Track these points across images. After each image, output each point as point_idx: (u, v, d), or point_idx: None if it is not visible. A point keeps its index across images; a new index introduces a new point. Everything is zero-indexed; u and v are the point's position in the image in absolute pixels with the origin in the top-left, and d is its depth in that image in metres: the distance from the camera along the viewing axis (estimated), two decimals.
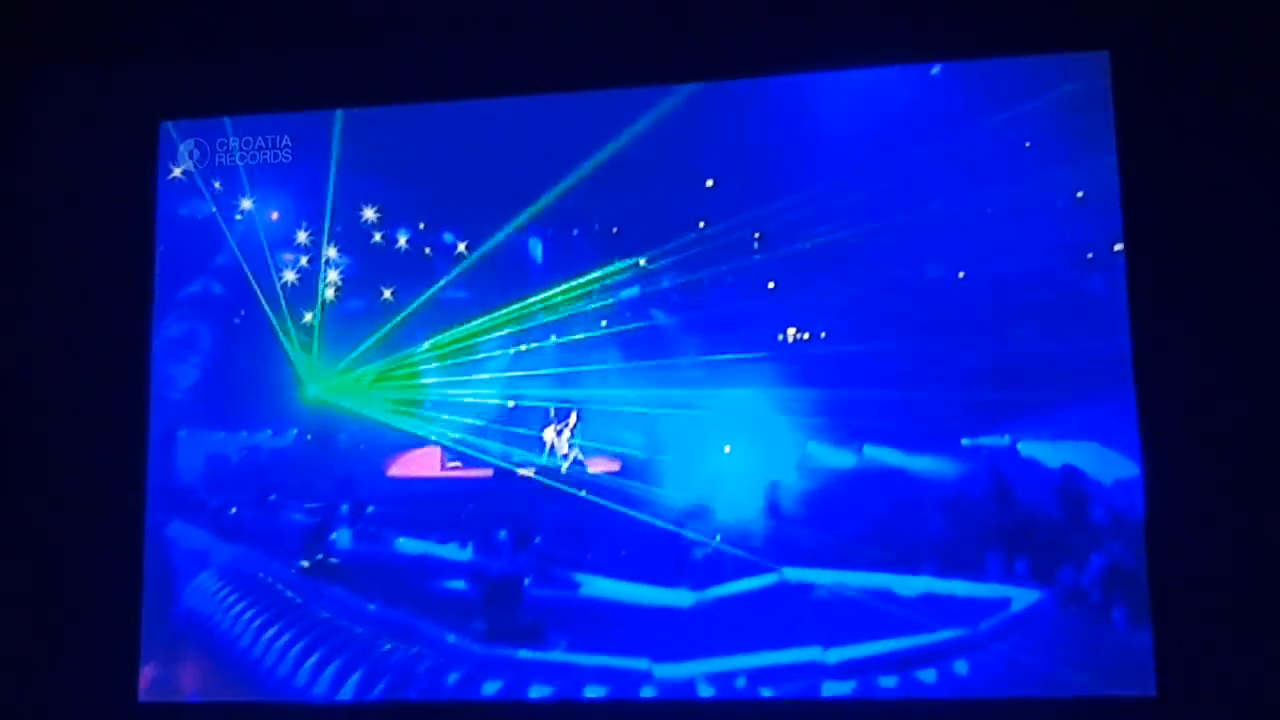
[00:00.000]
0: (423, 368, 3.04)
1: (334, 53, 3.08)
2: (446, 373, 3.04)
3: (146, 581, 2.97)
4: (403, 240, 3.05)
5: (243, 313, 3.07)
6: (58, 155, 3.14)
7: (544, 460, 3.00)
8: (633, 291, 2.99)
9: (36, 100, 3.16)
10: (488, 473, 3.01)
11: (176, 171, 3.09)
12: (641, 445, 2.94)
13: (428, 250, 3.04)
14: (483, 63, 3.03)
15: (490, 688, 2.85)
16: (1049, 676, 2.63)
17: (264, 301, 3.06)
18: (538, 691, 2.81)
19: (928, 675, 2.69)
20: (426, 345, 3.04)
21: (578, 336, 3.00)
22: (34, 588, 2.94)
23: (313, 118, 3.08)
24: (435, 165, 3.02)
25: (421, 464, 3.04)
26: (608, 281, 2.99)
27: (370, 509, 3.02)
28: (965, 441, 2.78)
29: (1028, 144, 2.80)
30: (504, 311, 3.02)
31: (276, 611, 2.99)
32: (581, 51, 3.01)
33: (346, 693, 2.88)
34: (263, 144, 3.09)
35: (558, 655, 2.85)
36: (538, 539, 2.95)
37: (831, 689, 2.69)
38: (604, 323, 2.99)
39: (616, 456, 2.96)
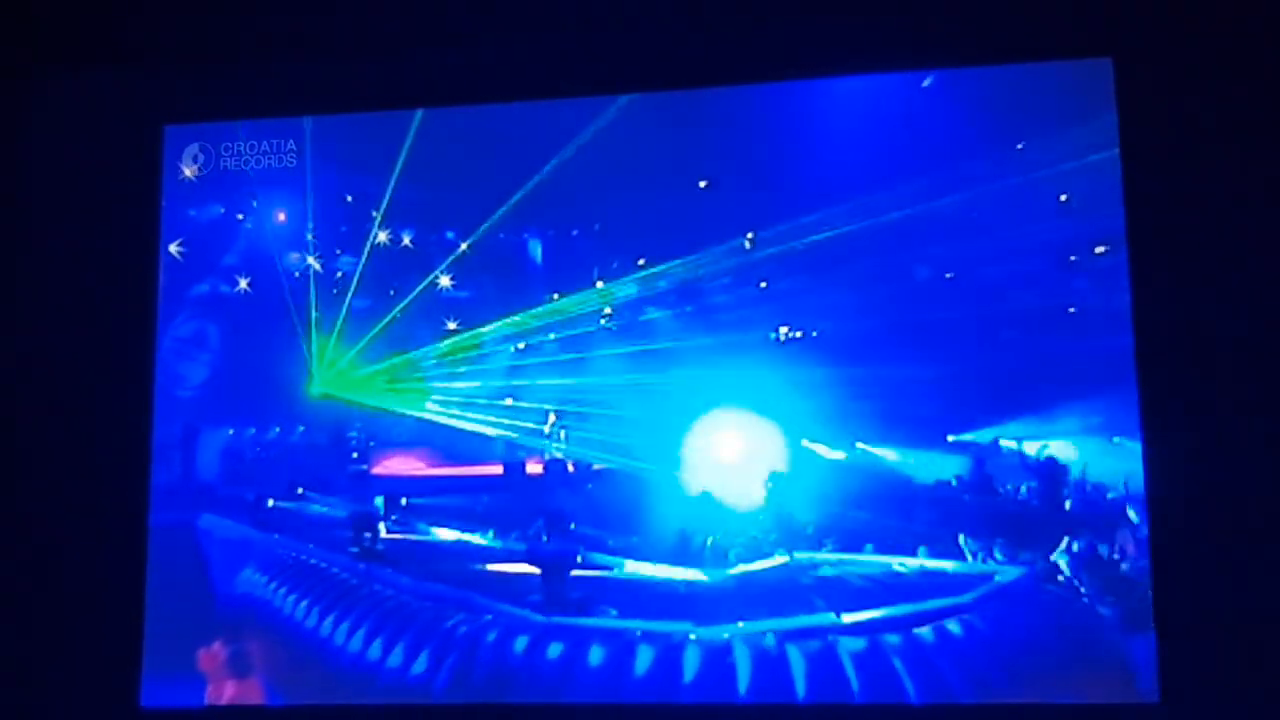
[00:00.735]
0: (426, 365, 3.13)
1: (338, 57, 3.07)
2: (450, 370, 3.13)
3: (182, 572, 3.07)
4: (406, 240, 3.08)
5: (250, 313, 3.12)
6: (62, 159, 3.14)
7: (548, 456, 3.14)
8: (630, 291, 3.06)
9: (40, 104, 3.15)
10: (498, 469, 3.14)
11: (187, 173, 3.06)
12: (641, 441, 3.06)
13: (431, 249, 3.09)
14: (486, 67, 3.04)
15: (554, 650, 3.01)
16: (1032, 641, 2.84)
17: (270, 302, 3.11)
18: (597, 654, 3.00)
19: (925, 633, 2.92)
20: (431, 343, 3.12)
21: (576, 333, 3.09)
22: (34, 592, 3.02)
23: (317, 121, 3.08)
24: (439, 167, 3.04)
25: (424, 461, 3.16)
26: (607, 283, 3.07)
27: (404, 500, 3.14)
28: (950, 438, 2.93)
29: (1021, 146, 2.84)
30: (507, 317, 3.10)
31: (337, 594, 3.14)
32: (581, 57, 3.01)
33: (419, 666, 3.04)
34: (267, 148, 3.06)
35: (610, 622, 3.03)
36: (572, 525, 3.12)
37: (846, 645, 2.90)
38: (603, 320, 3.08)
39: (618, 449, 3.09)
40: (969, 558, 2.93)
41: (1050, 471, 2.89)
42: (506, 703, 2.92)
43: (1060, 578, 2.84)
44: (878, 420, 2.97)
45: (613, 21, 2.98)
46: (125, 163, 3.10)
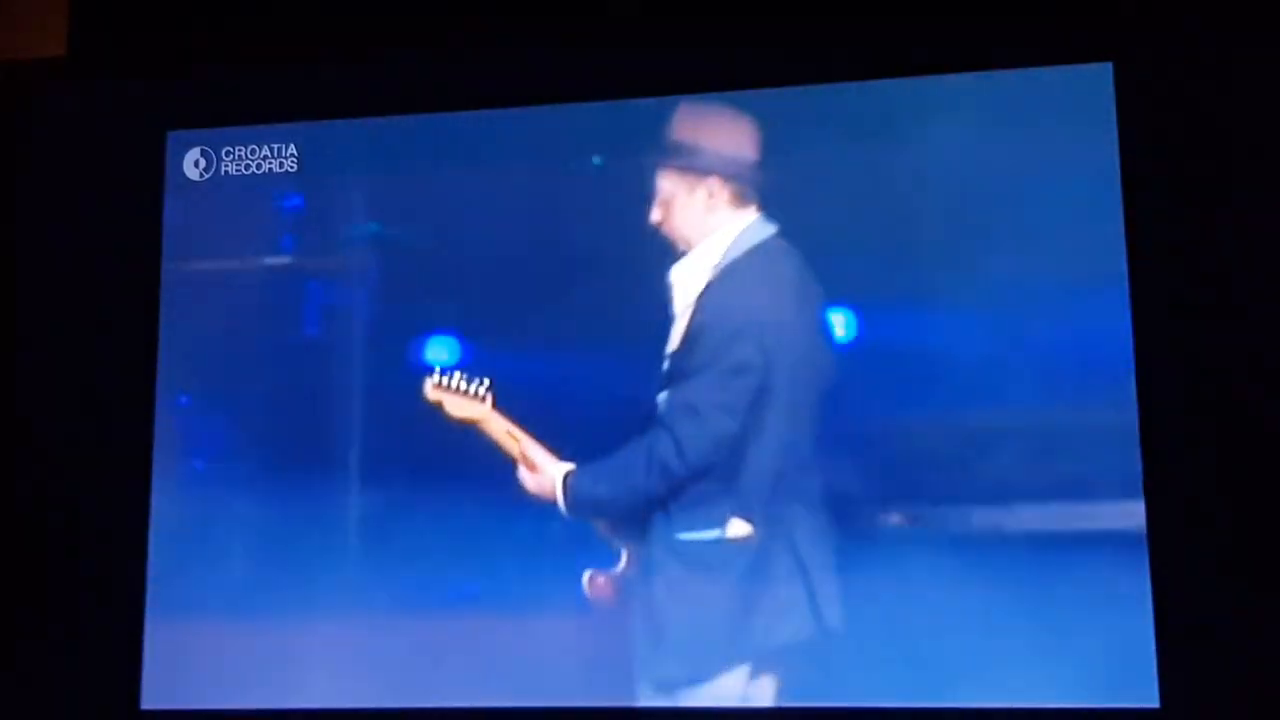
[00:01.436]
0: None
1: (340, 63, 3.09)
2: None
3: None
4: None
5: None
6: (62, 164, 3.15)
7: None
8: None
9: (40, 109, 3.16)
10: None
11: (194, 176, 3.06)
12: None
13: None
14: (487, 73, 3.05)
15: None
16: None
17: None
18: None
19: None
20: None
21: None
22: (33, 590, 3.01)
23: (319, 127, 3.09)
24: (442, 173, 3.05)
25: None
26: None
27: None
28: None
29: (1027, 156, 2.83)
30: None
31: None
32: (581, 62, 3.03)
33: None
34: (268, 153, 3.06)
35: None
36: None
37: None
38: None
39: None
40: None
41: None
42: (505, 707, 2.87)
43: None
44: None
45: (612, 30, 3.02)
46: (127, 168, 3.10)
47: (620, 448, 2.87)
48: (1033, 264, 2.80)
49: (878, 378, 2.84)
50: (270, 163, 3.07)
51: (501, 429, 2.93)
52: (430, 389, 2.96)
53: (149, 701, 2.95)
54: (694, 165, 2.93)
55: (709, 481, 2.83)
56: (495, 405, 2.94)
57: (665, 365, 2.91)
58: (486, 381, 2.94)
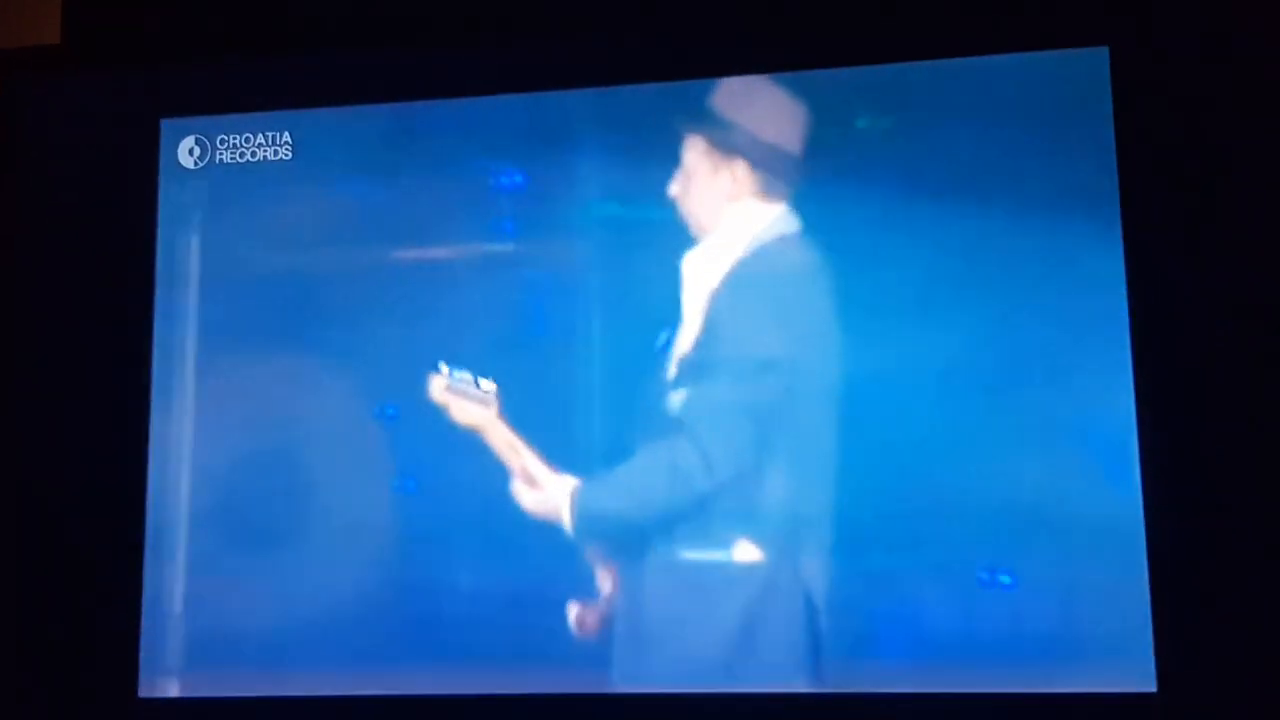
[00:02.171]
0: None
1: (334, 50, 3.09)
2: None
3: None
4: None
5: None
6: (56, 153, 3.15)
7: None
8: None
9: (34, 97, 3.15)
10: None
11: (188, 164, 3.05)
12: None
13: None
14: (486, 61, 3.04)
15: None
16: None
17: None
18: None
19: None
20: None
21: None
22: (31, 577, 3.00)
23: (312, 115, 3.07)
24: (438, 163, 3.01)
25: None
26: None
27: None
28: None
29: (1020, 142, 2.80)
30: None
31: None
32: (589, 48, 3.01)
33: None
34: (263, 141, 3.05)
35: None
36: None
37: None
38: None
39: None
40: None
41: None
42: (492, 694, 2.80)
43: None
44: None
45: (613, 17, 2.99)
46: (122, 156, 3.10)
47: (628, 458, 2.68)
48: (1027, 259, 2.77)
49: (899, 385, 2.69)
50: (265, 150, 3.06)
51: (504, 439, 2.73)
52: (438, 390, 2.80)
53: (146, 690, 2.94)
54: (723, 142, 2.73)
55: (726, 497, 2.62)
56: (500, 411, 2.75)
57: (674, 365, 2.70)
58: (494, 384, 2.78)
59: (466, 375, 2.77)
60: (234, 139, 3.08)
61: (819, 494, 2.64)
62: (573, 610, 2.68)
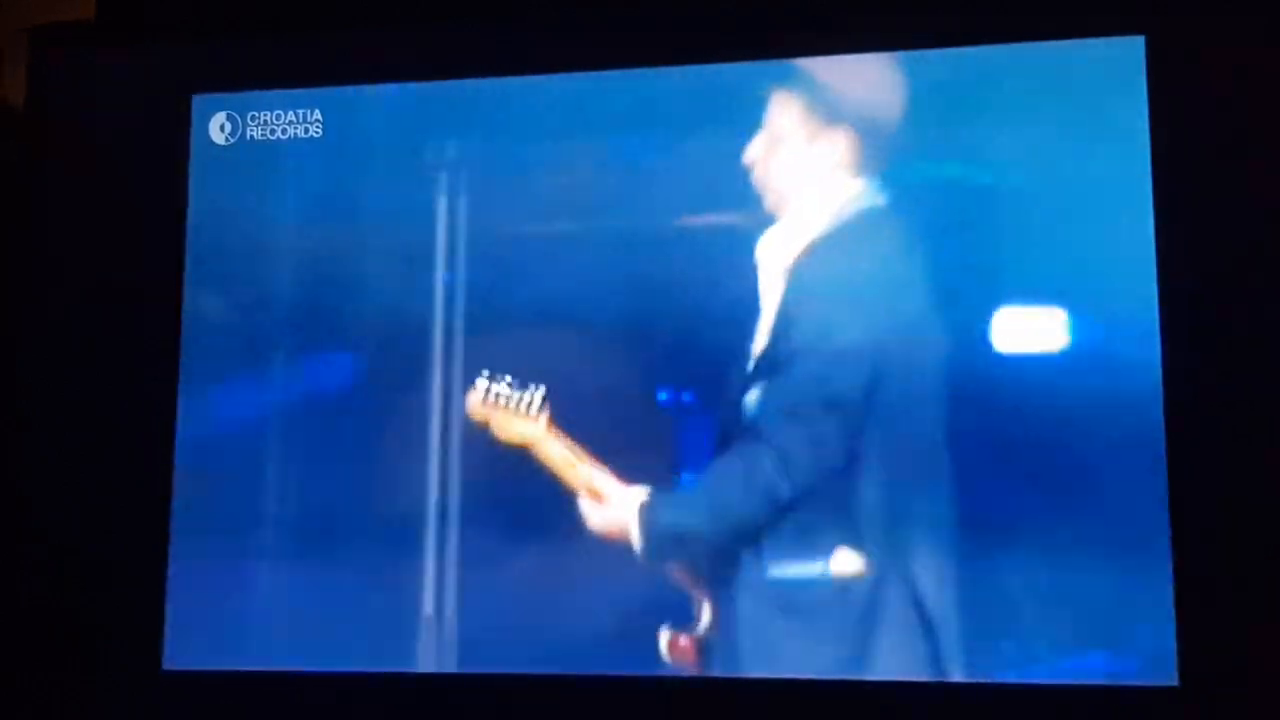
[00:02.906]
0: None
1: (367, 28, 3.08)
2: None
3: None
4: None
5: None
6: (89, 127, 3.15)
7: None
8: None
9: (67, 73, 3.15)
10: None
11: (219, 140, 3.05)
12: None
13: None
14: (513, 41, 3.04)
15: None
16: None
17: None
18: None
19: None
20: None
21: None
22: (54, 554, 3.01)
23: (343, 93, 3.07)
24: (468, 140, 3.01)
25: None
26: None
27: None
28: None
29: (1053, 131, 2.75)
30: None
31: None
32: (607, 32, 2.99)
33: None
34: (294, 118, 3.05)
35: None
36: None
37: None
38: None
39: None
40: None
41: None
42: (501, 671, 2.72)
43: None
44: None
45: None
46: (153, 132, 3.11)
47: (701, 467, 2.48)
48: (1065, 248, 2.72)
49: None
50: (295, 128, 3.06)
51: (560, 452, 2.46)
52: (477, 405, 2.56)
53: (171, 662, 2.95)
54: (824, 108, 2.53)
55: (815, 502, 2.39)
56: (551, 422, 2.51)
57: (750, 360, 2.49)
58: (541, 391, 2.55)
59: (504, 383, 2.52)
60: (265, 115, 3.09)
61: (924, 489, 2.42)
62: (664, 637, 2.45)
